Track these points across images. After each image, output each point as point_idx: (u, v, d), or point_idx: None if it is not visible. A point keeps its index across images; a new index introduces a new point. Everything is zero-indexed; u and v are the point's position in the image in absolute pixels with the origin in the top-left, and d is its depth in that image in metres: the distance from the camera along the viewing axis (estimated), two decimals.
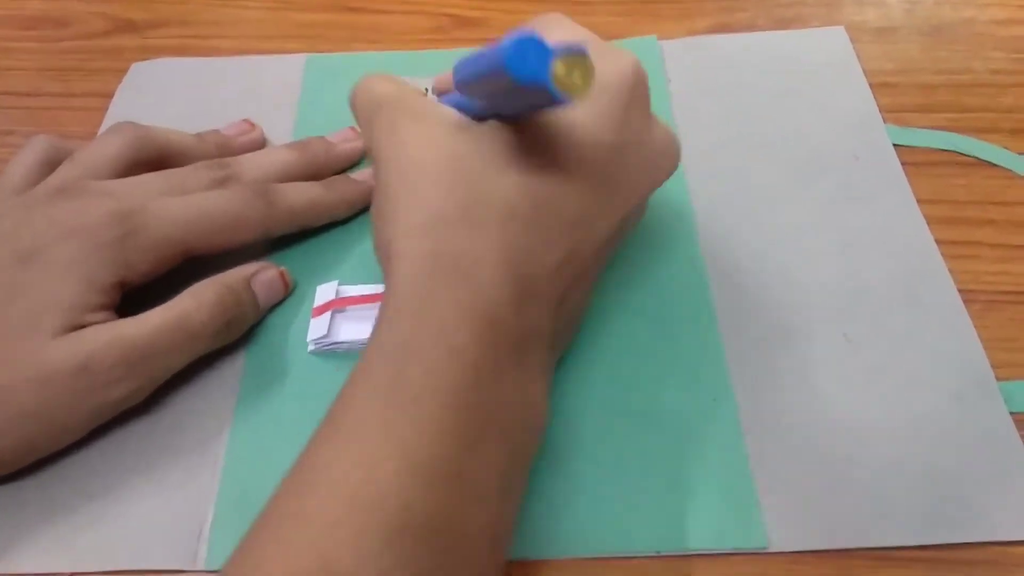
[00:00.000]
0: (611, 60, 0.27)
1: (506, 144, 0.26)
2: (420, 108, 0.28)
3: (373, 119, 0.29)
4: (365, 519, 0.20)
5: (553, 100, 0.22)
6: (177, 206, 0.31)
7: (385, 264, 0.26)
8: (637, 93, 0.28)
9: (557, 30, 0.29)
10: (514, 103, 0.25)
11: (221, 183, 0.33)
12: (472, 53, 0.24)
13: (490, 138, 0.26)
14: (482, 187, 0.25)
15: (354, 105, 0.31)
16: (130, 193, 0.31)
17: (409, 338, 0.23)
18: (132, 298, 0.31)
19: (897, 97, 0.41)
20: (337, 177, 0.37)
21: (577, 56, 0.21)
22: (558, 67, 0.21)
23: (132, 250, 0.30)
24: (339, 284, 0.33)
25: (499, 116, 0.27)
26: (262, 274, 0.33)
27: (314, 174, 0.37)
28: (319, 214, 0.35)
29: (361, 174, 0.37)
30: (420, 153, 0.26)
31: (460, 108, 0.28)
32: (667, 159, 0.30)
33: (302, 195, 0.34)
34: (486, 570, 0.23)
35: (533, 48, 0.21)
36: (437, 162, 0.26)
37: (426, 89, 0.38)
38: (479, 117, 0.27)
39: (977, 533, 0.27)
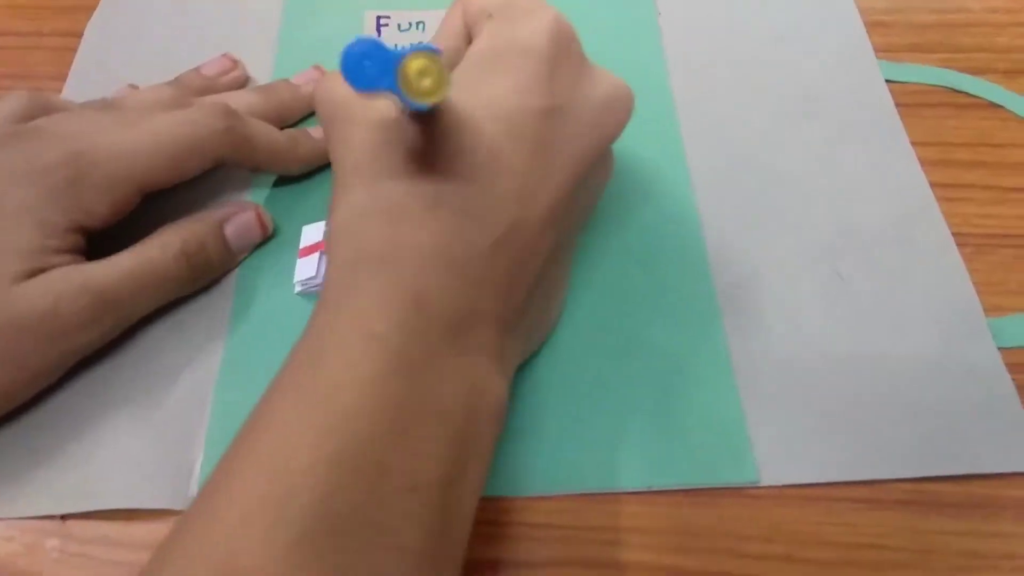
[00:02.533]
0: (527, 21, 0.26)
1: (429, 132, 0.25)
2: (359, 110, 0.27)
3: (327, 129, 0.28)
4: (275, 514, 0.19)
5: (408, 106, 0.21)
6: (128, 139, 0.30)
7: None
8: (562, 50, 0.27)
9: None
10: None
11: (179, 106, 0.32)
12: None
13: (413, 128, 0.25)
14: (405, 179, 0.25)
15: (316, 111, 0.30)
16: (82, 132, 0.30)
17: (328, 329, 0.23)
18: (107, 243, 0.31)
19: (890, 36, 0.41)
20: (300, 132, 0.35)
21: (426, 56, 0.20)
22: (407, 70, 0.20)
23: (84, 191, 0.29)
24: (326, 225, 0.33)
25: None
26: (237, 217, 0.32)
27: (281, 119, 0.36)
28: (275, 160, 0.34)
29: (317, 130, 0.36)
30: (354, 155, 0.26)
31: None
32: (614, 113, 0.28)
33: (263, 133, 0.33)
34: (420, 563, 0.21)
35: (371, 55, 0.20)
36: (362, 158, 0.25)
37: (418, 23, 0.36)
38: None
39: (965, 466, 0.28)
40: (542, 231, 0.26)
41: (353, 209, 0.25)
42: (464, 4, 0.30)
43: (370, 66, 0.20)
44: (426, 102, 0.21)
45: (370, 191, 0.25)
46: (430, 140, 0.25)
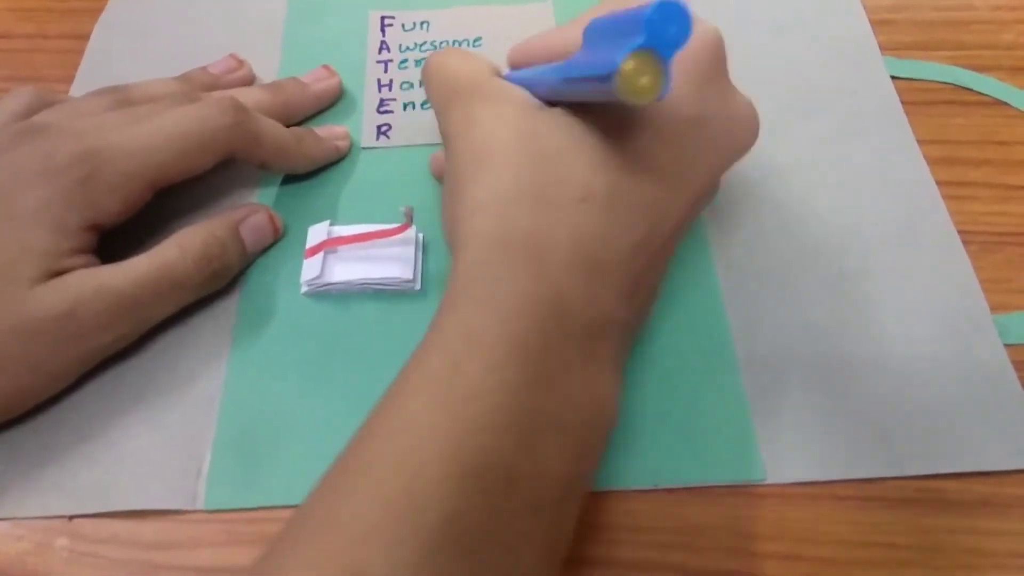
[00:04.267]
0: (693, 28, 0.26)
1: (581, 123, 0.25)
2: (494, 90, 0.27)
3: (448, 106, 0.27)
4: (403, 528, 0.19)
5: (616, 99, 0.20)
6: (141, 135, 0.30)
7: (452, 247, 0.25)
8: (717, 63, 0.26)
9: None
10: (587, 93, 0.24)
11: (188, 101, 0.32)
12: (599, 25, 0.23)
13: (566, 119, 0.25)
14: (555, 167, 0.24)
15: (428, 87, 0.29)
16: (94, 129, 0.30)
17: (469, 327, 0.22)
18: (118, 241, 0.31)
19: (895, 34, 0.41)
20: (305, 131, 0.35)
21: (649, 55, 0.20)
22: (627, 66, 0.20)
23: (97, 190, 0.29)
24: (331, 225, 0.33)
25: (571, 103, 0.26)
26: (251, 219, 0.32)
27: (287, 115, 0.36)
28: (282, 157, 0.34)
29: (326, 130, 0.36)
30: (492, 133, 0.25)
31: (531, 86, 0.27)
32: (746, 132, 0.28)
33: (270, 129, 0.33)
34: None
35: (677, 17, 0.19)
36: (509, 141, 0.25)
37: (423, 23, 0.35)
38: (550, 101, 0.26)
39: (971, 463, 0.28)
40: (670, 239, 0.26)
41: (498, 189, 0.24)
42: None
43: (676, 32, 0.19)
44: (638, 100, 0.20)
45: (517, 173, 0.24)
46: (589, 129, 0.25)
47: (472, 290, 0.22)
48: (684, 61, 0.25)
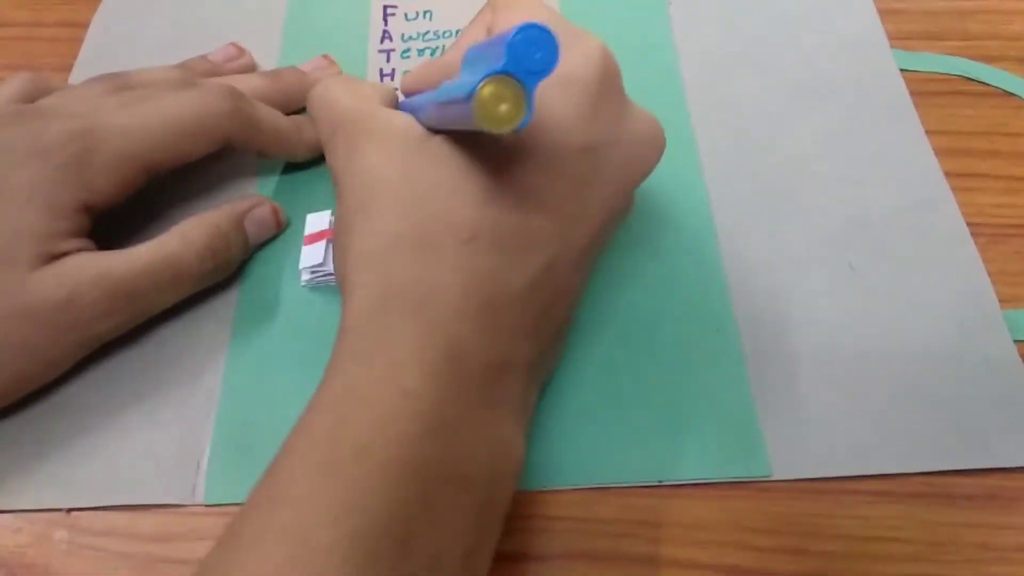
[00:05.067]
0: (576, 47, 0.24)
1: (464, 154, 0.24)
2: (379, 123, 0.26)
3: (331, 141, 0.27)
4: None
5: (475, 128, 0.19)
6: (136, 116, 0.29)
7: (342, 296, 0.24)
8: (608, 84, 0.25)
9: (516, 14, 0.26)
10: (460, 122, 0.22)
11: (186, 87, 0.31)
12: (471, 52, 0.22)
13: (449, 152, 0.24)
14: (439, 207, 0.23)
15: (314, 119, 0.29)
16: (88, 111, 0.29)
17: (356, 381, 0.21)
18: (117, 230, 0.30)
19: (903, 24, 0.40)
20: (305, 119, 0.35)
21: (509, 81, 0.19)
22: (484, 91, 0.19)
23: (91, 169, 0.28)
24: (332, 215, 0.32)
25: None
26: (255, 211, 0.32)
27: (286, 104, 0.35)
28: (280, 144, 0.33)
29: None
30: (373, 172, 0.24)
31: (418, 112, 0.26)
32: (649, 152, 0.27)
33: (269, 116, 0.33)
34: None
35: (540, 43, 0.19)
36: (390, 181, 0.24)
37: (426, 12, 0.35)
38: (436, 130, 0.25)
39: (979, 459, 0.27)
40: (574, 271, 0.25)
41: (380, 236, 0.23)
42: (494, 11, 0.28)
43: (541, 57, 0.19)
44: (496, 129, 0.19)
45: (399, 217, 0.23)
46: (473, 163, 0.23)
47: (358, 345, 0.22)
48: (570, 86, 0.24)
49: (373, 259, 0.23)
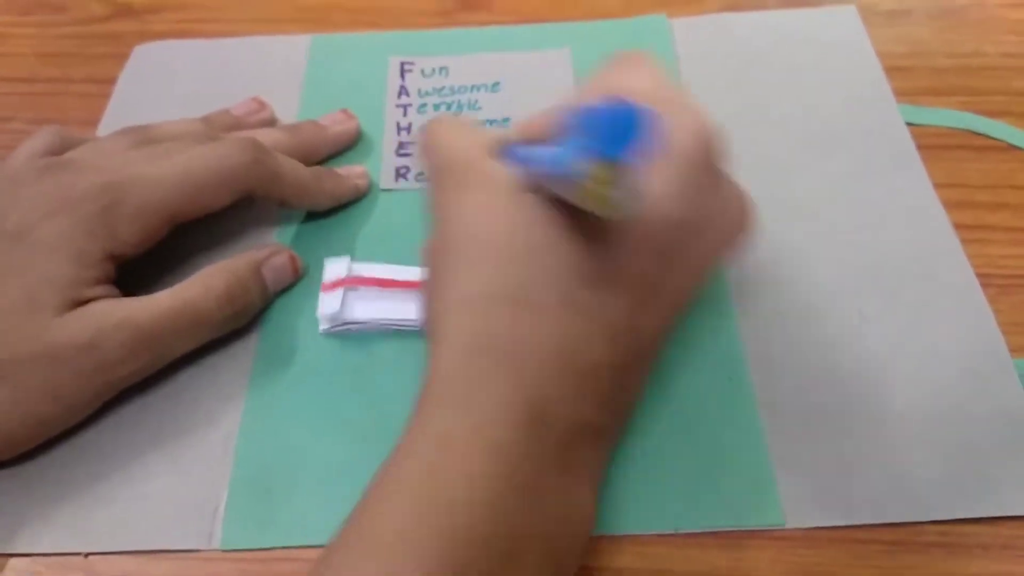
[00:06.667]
0: (680, 118, 0.24)
1: (568, 219, 0.24)
2: (484, 174, 0.26)
3: (439, 179, 0.27)
4: None
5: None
6: (161, 170, 0.30)
7: (429, 340, 0.24)
8: (709, 157, 0.25)
9: (628, 76, 0.26)
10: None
11: (209, 140, 0.32)
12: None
13: (551, 214, 0.24)
14: (540, 266, 0.23)
15: (424, 156, 0.29)
16: (114, 164, 0.30)
17: (446, 431, 0.21)
18: (139, 277, 0.31)
19: (908, 81, 0.41)
20: (325, 169, 0.36)
21: (615, 167, 0.18)
22: (592, 174, 0.18)
23: (117, 220, 0.29)
24: (351, 262, 0.33)
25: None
26: (273, 259, 0.33)
27: (305, 156, 0.36)
28: (302, 195, 0.34)
29: (345, 169, 0.37)
30: (476, 223, 0.24)
31: (524, 167, 0.25)
32: (740, 227, 0.27)
33: (290, 168, 0.34)
34: None
35: (627, 123, 0.17)
36: (492, 235, 0.24)
37: (442, 68, 0.34)
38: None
39: (994, 508, 0.27)
40: (657, 342, 0.25)
41: (477, 286, 0.23)
42: (615, 64, 0.27)
43: (629, 140, 0.17)
44: (603, 213, 0.19)
45: (497, 271, 0.23)
46: (575, 226, 0.23)
47: (447, 392, 0.22)
48: (671, 158, 0.24)
49: (467, 307, 0.23)
